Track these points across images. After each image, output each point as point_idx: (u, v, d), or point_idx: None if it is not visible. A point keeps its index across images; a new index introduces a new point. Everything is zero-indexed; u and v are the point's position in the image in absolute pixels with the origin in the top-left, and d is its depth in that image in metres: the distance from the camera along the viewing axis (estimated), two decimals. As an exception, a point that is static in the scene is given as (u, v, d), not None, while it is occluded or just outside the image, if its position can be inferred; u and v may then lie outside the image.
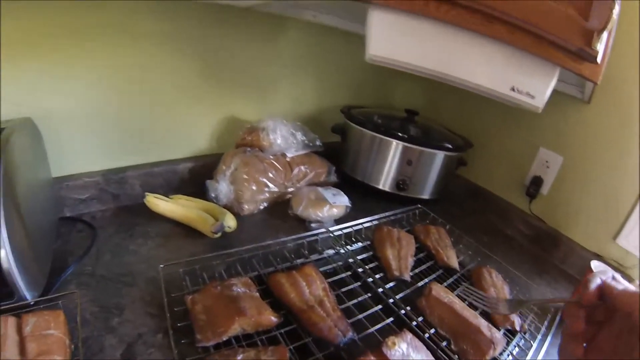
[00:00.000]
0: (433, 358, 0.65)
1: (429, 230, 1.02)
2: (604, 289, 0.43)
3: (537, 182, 1.17)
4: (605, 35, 0.70)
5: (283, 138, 1.06)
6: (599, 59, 0.72)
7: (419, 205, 1.12)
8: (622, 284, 0.43)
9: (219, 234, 0.90)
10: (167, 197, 0.96)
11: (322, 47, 1.21)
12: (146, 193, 0.94)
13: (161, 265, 0.74)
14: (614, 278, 0.44)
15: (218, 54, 1.03)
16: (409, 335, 0.66)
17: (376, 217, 1.02)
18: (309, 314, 0.68)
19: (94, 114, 0.91)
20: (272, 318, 0.66)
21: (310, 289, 0.73)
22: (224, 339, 0.62)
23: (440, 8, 0.64)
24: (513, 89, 0.75)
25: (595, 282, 0.44)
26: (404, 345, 0.63)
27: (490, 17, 0.66)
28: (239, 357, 0.57)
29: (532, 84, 0.75)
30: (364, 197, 1.18)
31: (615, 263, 1.01)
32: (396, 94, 1.52)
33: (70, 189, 0.91)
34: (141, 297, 0.73)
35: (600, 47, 0.71)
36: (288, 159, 1.08)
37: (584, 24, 0.70)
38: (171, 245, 0.89)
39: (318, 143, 1.14)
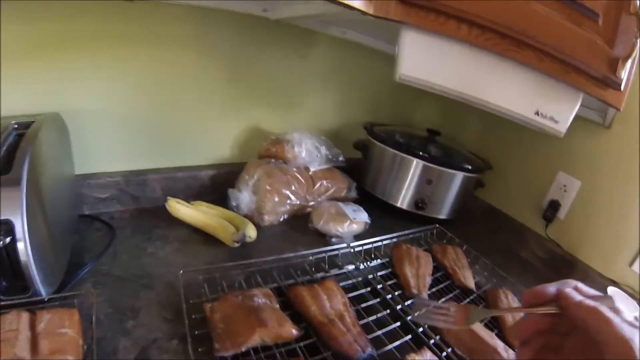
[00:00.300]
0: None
1: (447, 250, 0.98)
2: (560, 298, 0.39)
3: (554, 206, 1.12)
4: (629, 62, 0.69)
5: (307, 151, 1.02)
6: (622, 86, 0.72)
7: (437, 225, 1.08)
8: (582, 294, 0.39)
9: (239, 244, 0.86)
10: (188, 202, 0.93)
11: (348, 63, 1.19)
12: (168, 197, 0.90)
13: (181, 271, 0.70)
14: (576, 288, 0.40)
15: (247, 63, 1.01)
16: (429, 353, 0.64)
17: (395, 234, 0.97)
18: (329, 328, 0.64)
19: (121, 115, 0.89)
20: (293, 331, 0.61)
21: (331, 303, 0.69)
22: (243, 349, 0.58)
23: (471, 32, 0.63)
24: (537, 113, 0.74)
25: (545, 287, 0.40)
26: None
27: (520, 42, 0.64)
28: (258, 370, 0.53)
29: (556, 109, 0.74)
30: (381, 214, 1.13)
31: (631, 289, 0.96)
32: (417, 113, 1.49)
33: (91, 187, 0.88)
34: (157, 301, 0.69)
35: (624, 74, 0.70)
36: (311, 173, 1.05)
37: (609, 52, 0.69)
38: (189, 251, 0.85)
39: (341, 159, 1.11)
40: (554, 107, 0.73)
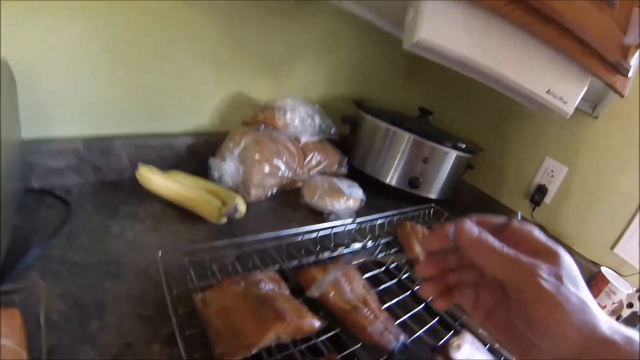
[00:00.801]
0: (493, 357, 0.54)
1: (448, 229, 0.85)
2: (456, 237, 0.30)
3: (541, 190, 1.05)
4: (638, 51, 0.65)
5: (301, 120, 0.85)
6: (630, 73, 0.67)
7: (433, 205, 0.95)
8: (486, 225, 0.31)
9: (227, 220, 0.68)
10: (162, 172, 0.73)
11: (342, 35, 1.03)
12: (139, 164, 0.70)
13: (159, 253, 0.52)
14: (479, 221, 0.31)
15: (237, 23, 0.82)
16: (469, 336, 0.55)
17: (396, 212, 0.84)
18: (354, 316, 0.49)
19: (83, 68, 0.67)
20: (315, 323, 0.45)
21: (352, 286, 0.53)
22: (254, 351, 0.40)
23: (498, 1, 0.54)
24: (549, 92, 0.67)
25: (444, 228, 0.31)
26: (467, 347, 0.52)
27: (546, 17, 0.56)
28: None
29: (567, 89, 0.68)
30: (371, 192, 0.97)
31: (612, 271, 0.92)
32: (405, 97, 1.34)
33: (42, 154, 0.66)
34: (129, 294, 0.51)
35: (633, 62, 0.66)
36: (302, 144, 0.88)
37: (622, 39, 0.64)
38: (165, 229, 0.66)
39: (333, 131, 0.94)
40: (564, 88, 0.67)
